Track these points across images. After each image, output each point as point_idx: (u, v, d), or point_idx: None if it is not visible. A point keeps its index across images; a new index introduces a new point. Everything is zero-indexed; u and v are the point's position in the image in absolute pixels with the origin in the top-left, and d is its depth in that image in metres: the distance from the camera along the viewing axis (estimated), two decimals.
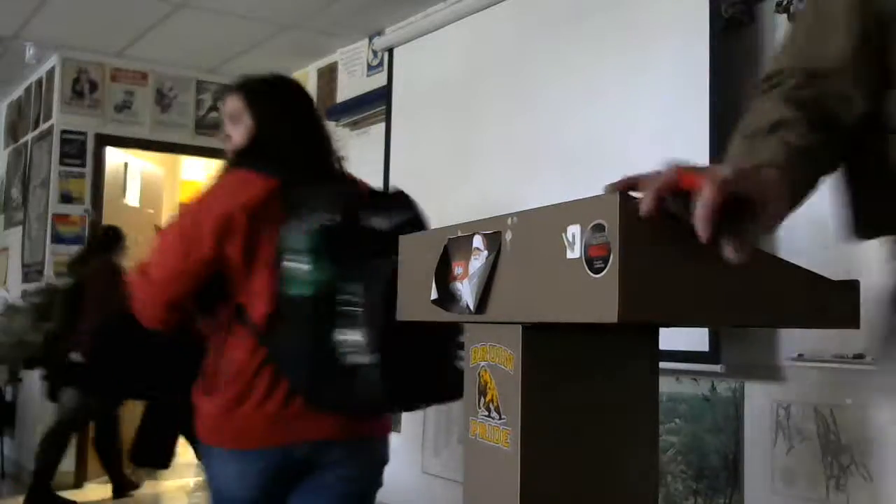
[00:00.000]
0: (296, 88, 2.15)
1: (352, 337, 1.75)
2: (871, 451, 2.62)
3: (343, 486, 1.99)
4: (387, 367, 1.73)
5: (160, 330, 1.98)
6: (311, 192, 1.91)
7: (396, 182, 4.55)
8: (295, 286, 1.81)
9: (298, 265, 1.80)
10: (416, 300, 1.69)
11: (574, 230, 1.22)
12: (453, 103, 4.21)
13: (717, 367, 2.88)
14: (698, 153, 2.93)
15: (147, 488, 5.70)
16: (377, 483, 2.09)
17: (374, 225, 1.84)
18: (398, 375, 1.76)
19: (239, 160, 2.01)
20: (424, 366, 1.80)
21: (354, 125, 5.26)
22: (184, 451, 5.49)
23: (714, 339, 2.90)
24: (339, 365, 1.76)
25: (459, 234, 1.58)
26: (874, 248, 2.89)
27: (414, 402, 1.97)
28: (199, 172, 8.71)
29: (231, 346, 1.94)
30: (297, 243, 1.82)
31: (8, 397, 6.03)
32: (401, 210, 1.92)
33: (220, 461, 1.96)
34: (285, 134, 2.02)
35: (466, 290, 1.50)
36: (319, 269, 1.79)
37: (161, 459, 2.41)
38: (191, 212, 1.96)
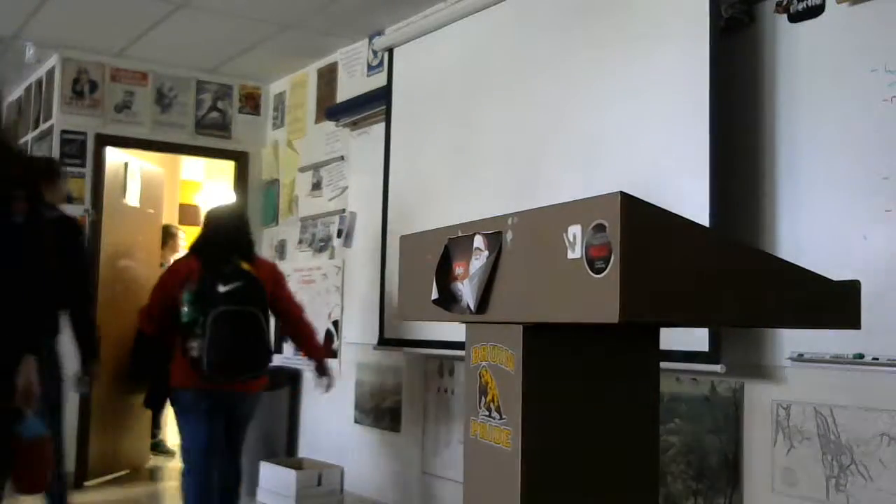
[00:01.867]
0: (228, 213, 4.17)
1: (195, 342, 3.75)
2: (871, 451, 2.62)
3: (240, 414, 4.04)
4: (208, 357, 3.72)
5: (149, 331, 4.02)
6: (207, 271, 3.82)
7: (396, 182, 4.56)
8: (183, 317, 3.78)
9: (185, 307, 3.78)
10: (416, 300, 1.69)
11: (575, 230, 1.22)
12: (453, 103, 4.21)
13: (716, 367, 2.88)
14: (698, 152, 2.92)
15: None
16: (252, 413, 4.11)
17: (220, 289, 3.76)
18: (215, 361, 3.72)
19: (190, 249, 4.11)
20: (236, 353, 3.79)
21: (354, 125, 5.26)
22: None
23: (714, 339, 2.90)
24: (190, 355, 3.76)
25: (460, 234, 1.58)
26: (874, 248, 2.89)
27: (230, 376, 3.79)
28: (199, 172, 8.71)
29: (182, 340, 3.88)
30: (186, 297, 3.79)
31: None
32: (237, 280, 3.80)
33: (182, 396, 3.91)
34: (212, 238, 3.98)
35: (467, 290, 1.50)
36: (190, 310, 3.77)
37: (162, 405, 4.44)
38: (165, 275, 4.11)
